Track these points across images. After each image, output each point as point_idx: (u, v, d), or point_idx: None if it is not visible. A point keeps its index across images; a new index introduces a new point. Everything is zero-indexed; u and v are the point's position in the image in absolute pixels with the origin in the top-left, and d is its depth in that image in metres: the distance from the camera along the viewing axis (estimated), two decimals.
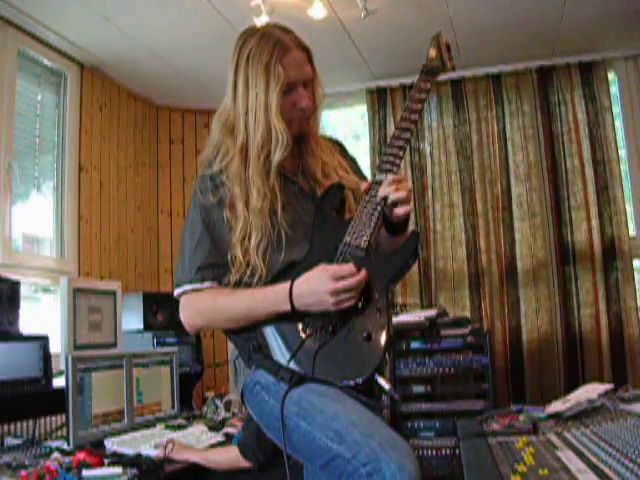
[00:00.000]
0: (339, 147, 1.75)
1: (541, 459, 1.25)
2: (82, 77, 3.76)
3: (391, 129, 4.17)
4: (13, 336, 2.50)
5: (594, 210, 3.84)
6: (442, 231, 4.10)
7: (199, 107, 4.49)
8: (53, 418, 2.70)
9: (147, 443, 2.34)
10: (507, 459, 1.29)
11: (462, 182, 4.09)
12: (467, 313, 3.90)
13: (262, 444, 1.97)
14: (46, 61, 3.52)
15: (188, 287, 1.51)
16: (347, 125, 4.75)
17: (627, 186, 3.92)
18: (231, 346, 1.63)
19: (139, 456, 2.20)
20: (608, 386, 1.90)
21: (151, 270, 4.32)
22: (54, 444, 2.38)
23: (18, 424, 2.54)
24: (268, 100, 1.47)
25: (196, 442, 2.44)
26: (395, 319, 3.30)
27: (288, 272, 1.46)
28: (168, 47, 3.67)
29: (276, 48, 1.47)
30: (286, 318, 1.44)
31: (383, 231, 1.52)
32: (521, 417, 1.74)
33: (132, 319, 3.37)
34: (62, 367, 2.50)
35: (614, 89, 4.02)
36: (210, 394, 3.24)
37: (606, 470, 1.10)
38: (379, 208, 1.46)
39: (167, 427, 2.69)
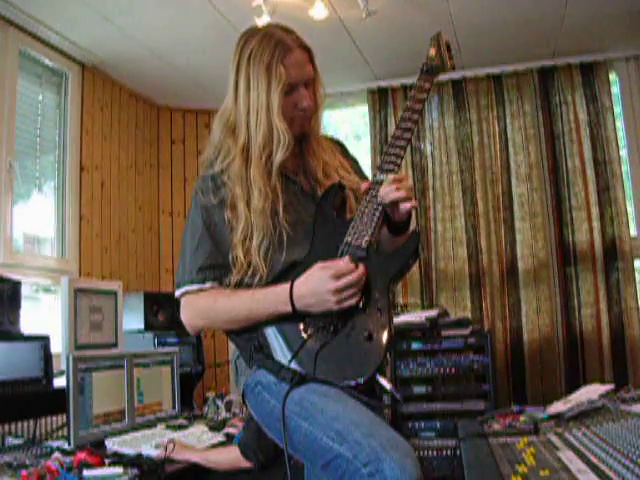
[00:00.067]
0: (340, 147, 1.74)
1: (542, 459, 1.25)
2: (83, 77, 3.76)
3: (392, 129, 4.16)
4: (14, 336, 2.50)
5: (595, 210, 3.84)
6: (443, 231, 4.09)
7: (200, 107, 4.49)
8: (54, 418, 2.70)
9: (148, 443, 2.34)
10: (508, 459, 1.29)
11: (463, 182, 4.09)
12: (468, 313, 3.90)
13: (263, 444, 1.97)
14: (47, 61, 3.52)
15: (189, 288, 1.51)
16: (348, 125, 4.75)
17: (628, 186, 3.92)
18: (232, 346, 1.63)
19: (140, 456, 2.21)
20: (609, 387, 1.90)
21: (152, 270, 4.32)
22: (55, 444, 2.38)
23: (19, 424, 2.54)
24: (270, 100, 1.47)
25: (197, 442, 2.44)
26: (396, 319, 3.29)
27: (289, 272, 1.46)
28: (169, 47, 3.67)
29: (277, 48, 1.47)
30: (287, 318, 1.44)
31: (384, 230, 1.52)
32: (522, 418, 1.75)
33: (133, 319, 3.38)
34: (63, 367, 2.50)
35: (615, 89, 4.02)
36: (211, 394, 3.24)
37: (607, 470, 1.10)
38: (380, 208, 1.46)
39: (168, 427, 2.69)
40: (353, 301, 1.39)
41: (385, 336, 1.38)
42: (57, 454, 2.17)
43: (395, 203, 1.44)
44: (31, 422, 2.58)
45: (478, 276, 3.98)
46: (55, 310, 3.21)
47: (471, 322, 3.50)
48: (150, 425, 2.69)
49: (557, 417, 1.70)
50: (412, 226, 1.54)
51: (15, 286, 2.58)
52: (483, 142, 4.11)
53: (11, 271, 2.94)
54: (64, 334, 2.79)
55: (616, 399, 1.77)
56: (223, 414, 3.04)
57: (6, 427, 2.50)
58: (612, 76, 4.02)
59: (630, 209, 3.90)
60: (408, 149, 1.60)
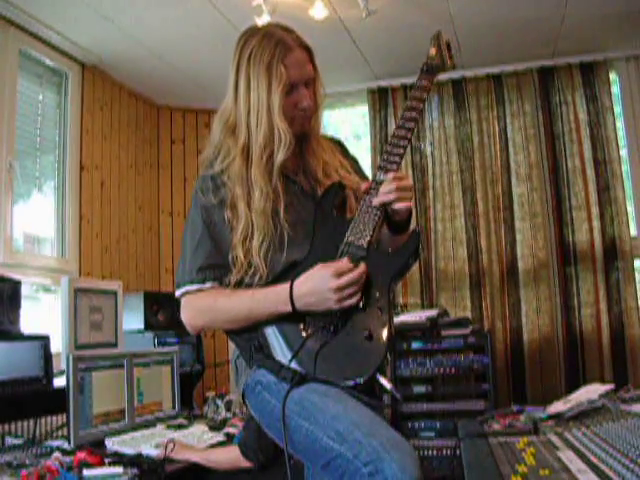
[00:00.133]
0: (340, 147, 1.74)
1: (542, 459, 1.25)
2: (83, 77, 3.76)
3: (392, 129, 4.16)
4: (14, 336, 2.50)
5: (595, 210, 3.84)
6: (443, 231, 4.09)
7: (200, 107, 4.49)
8: (54, 418, 2.70)
9: (148, 443, 2.34)
10: (508, 459, 1.29)
11: (463, 182, 4.09)
12: (468, 313, 3.90)
13: (263, 444, 1.97)
14: (47, 61, 3.52)
15: (189, 287, 1.51)
16: (348, 125, 4.75)
17: (628, 186, 3.92)
18: (232, 346, 1.63)
19: (140, 456, 2.21)
20: (609, 386, 1.90)
21: (152, 270, 4.32)
22: (55, 443, 2.38)
23: (19, 423, 2.55)
24: (270, 100, 1.47)
25: (197, 442, 2.44)
26: (396, 319, 3.29)
27: (289, 272, 1.46)
28: (169, 47, 3.67)
29: (278, 48, 1.47)
30: (287, 318, 1.44)
31: (385, 230, 1.52)
32: (522, 417, 1.74)
33: (133, 319, 3.37)
34: (63, 367, 2.50)
35: (615, 89, 4.02)
36: (211, 394, 3.24)
37: (607, 470, 1.10)
38: (380, 207, 1.46)
39: (168, 427, 2.69)
40: (354, 300, 1.39)
41: (385, 335, 1.39)
42: (57, 454, 2.17)
43: (395, 202, 1.44)
44: (31, 422, 2.58)
45: (478, 276, 3.98)
46: (55, 310, 3.21)
47: (471, 322, 3.50)
48: (150, 425, 2.68)
49: (557, 417, 1.69)
50: (412, 225, 1.55)
51: (15, 286, 2.57)
52: (483, 142, 4.11)
53: (11, 271, 2.94)
54: (64, 334, 2.79)
55: (616, 399, 1.76)
56: (223, 414, 3.04)
57: (6, 427, 2.50)
58: (612, 76, 4.02)
59: (630, 209, 3.90)
60: (408, 149, 1.60)
